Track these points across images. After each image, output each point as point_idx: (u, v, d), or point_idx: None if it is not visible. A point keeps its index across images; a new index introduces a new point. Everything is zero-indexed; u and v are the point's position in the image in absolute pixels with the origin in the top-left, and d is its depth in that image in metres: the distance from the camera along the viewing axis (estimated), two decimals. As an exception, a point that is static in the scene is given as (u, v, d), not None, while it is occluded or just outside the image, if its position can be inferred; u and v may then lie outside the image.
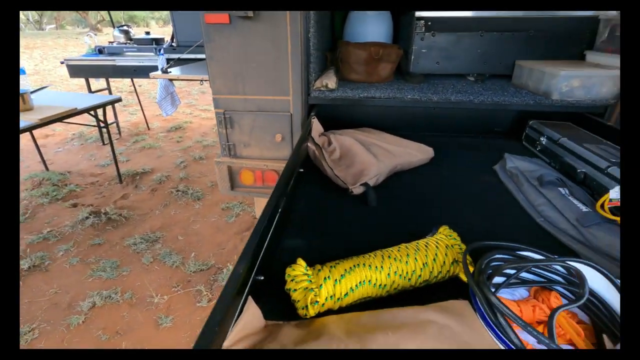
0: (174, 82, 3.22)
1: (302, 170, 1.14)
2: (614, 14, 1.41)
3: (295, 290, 0.57)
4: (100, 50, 3.42)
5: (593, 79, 1.25)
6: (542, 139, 1.31)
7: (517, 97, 1.31)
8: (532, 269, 0.61)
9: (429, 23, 1.58)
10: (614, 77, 1.24)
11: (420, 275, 0.62)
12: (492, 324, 0.49)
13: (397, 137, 1.33)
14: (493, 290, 0.52)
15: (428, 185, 1.11)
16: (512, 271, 0.60)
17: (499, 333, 0.47)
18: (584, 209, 0.87)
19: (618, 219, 0.84)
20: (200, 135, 4.30)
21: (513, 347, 0.45)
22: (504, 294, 0.59)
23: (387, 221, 0.90)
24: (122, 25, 3.90)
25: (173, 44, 3.27)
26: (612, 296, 0.54)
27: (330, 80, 1.44)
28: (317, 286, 0.56)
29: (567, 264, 0.59)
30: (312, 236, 0.83)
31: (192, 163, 3.50)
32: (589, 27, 1.53)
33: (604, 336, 0.49)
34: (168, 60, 3.06)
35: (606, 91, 1.25)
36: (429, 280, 0.63)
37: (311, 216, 0.92)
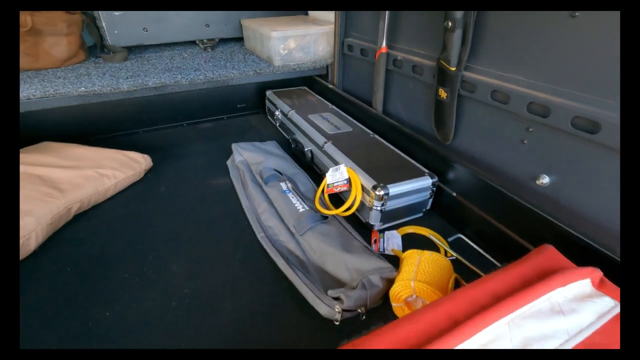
0: None
1: None
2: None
3: None
4: None
5: (307, 38, 1.14)
6: (277, 113, 1.16)
7: (240, 67, 1.09)
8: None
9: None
10: (326, 34, 1.17)
11: None
12: None
13: (87, 148, 0.91)
14: None
15: (133, 216, 0.77)
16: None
17: None
18: (301, 208, 0.74)
19: (333, 212, 0.74)
20: None
21: None
22: None
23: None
24: None
25: None
26: None
27: None
28: None
29: None
30: None
31: None
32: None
33: None
34: None
35: (322, 50, 1.18)
36: None
37: None
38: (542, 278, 0.39)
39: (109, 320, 0.56)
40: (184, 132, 1.20)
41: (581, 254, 0.51)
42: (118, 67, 1.07)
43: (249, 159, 0.92)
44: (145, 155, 0.94)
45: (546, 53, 0.57)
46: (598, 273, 0.41)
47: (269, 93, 1.23)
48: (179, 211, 0.80)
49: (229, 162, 0.97)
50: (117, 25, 1.17)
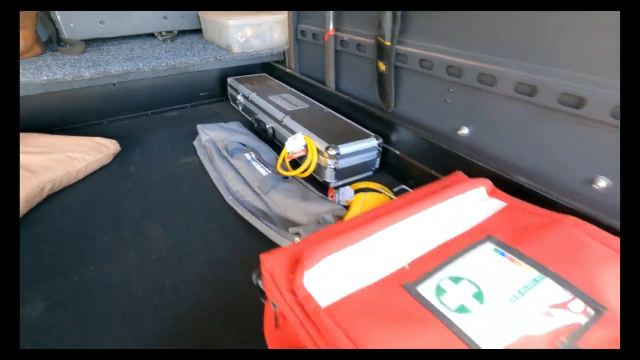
0: None
1: None
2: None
3: None
4: None
5: (263, 26, 1.22)
6: (239, 97, 1.23)
7: (201, 54, 1.15)
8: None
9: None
10: (281, 22, 1.26)
11: None
12: None
13: (56, 137, 0.94)
14: None
15: (106, 195, 0.82)
16: None
17: None
18: (264, 173, 0.83)
19: (292, 173, 0.83)
20: None
21: None
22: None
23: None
24: None
25: None
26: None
27: None
28: None
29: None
30: None
31: None
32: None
33: None
34: None
35: (278, 37, 1.26)
36: None
37: None
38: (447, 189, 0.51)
39: (92, 274, 0.62)
40: (149, 121, 1.24)
41: (505, 188, 0.63)
42: (77, 59, 1.10)
43: (214, 137, 0.99)
44: (113, 140, 0.99)
45: (457, 25, 0.70)
46: (490, 183, 0.54)
47: (230, 80, 1.30)
48: (150, 187, 0.86)
49: (195, 143, 1.04)
50: (72, 18, 1.19)
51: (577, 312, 0.35)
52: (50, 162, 0.83)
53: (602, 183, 0.56)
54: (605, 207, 0.56)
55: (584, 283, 0.37)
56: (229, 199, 0.79)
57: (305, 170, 0.82)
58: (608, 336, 0.33)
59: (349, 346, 0.32)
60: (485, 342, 0.32)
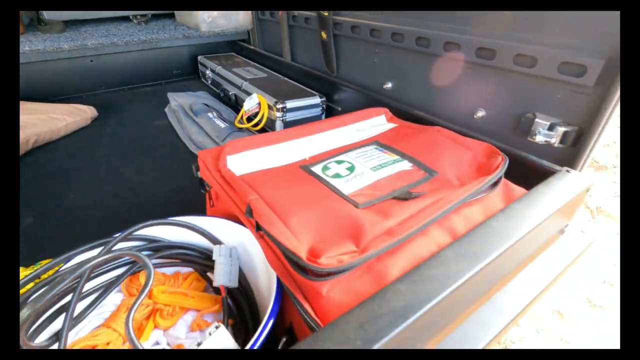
0: None
1: None
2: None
3: None
4: None
5: (228, 8, 1.36)
6: (208, 72, 1.36)
7: (171, 32, 1.27)
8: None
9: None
10: (245, 5, 1.39)
11: None
12: None
13: (39, 104, 1.05)
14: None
15: (85, 147, 0.95)
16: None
17: None
18: (223, 126, 0.96)
19: (246, 126, 0.97)
20: None
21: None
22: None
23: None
24: None
25: None
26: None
27: None
28: None
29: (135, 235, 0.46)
30: None
31: None
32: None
33: (208, 274, 0.49)
34: None
35: (242, 17, 1.40)
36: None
37: None
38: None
39: (72, 199, 0.75)
40: (125, 94, 1.36)
41: (409, 120, 0.79)
42: (57, 36, 1.21)
43: (182, 102, 1.12)
44: (91, 107, 1.11)
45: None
46: (389, 112, 0.69)
47: (200, 58, 1.43)
48: (125, 142, 0.99)
49: (166, 109, 1.17)
50: None
51: (415, 175, 0.50)
52: (35, 120, 0.95)
53: (480, 113, 0.72)
54: (482, 129, 0.71)
55: (427, 160, 0.52)
56: (192, 147, 0.92)
57: (258, 123, 0.96)
58: (433, 187, 0.48)
59: (253, 195, 0.46)
60: (346, 189, 0.46)
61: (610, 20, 0.50)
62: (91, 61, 1.28)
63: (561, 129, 0.57)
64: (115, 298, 0.44)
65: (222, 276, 0.43)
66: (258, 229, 0.40)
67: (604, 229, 1.73)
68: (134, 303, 0.34)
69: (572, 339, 1.24)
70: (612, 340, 1.22)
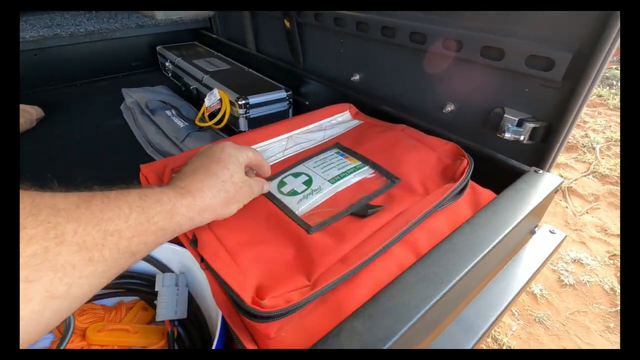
0: None
1: None
2: None
3: None
4: None
5: (185, -7, 1.25)
6: (167, 63, 1.27)
7: (123, 22, 1.17)
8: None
9: None
10: (205, -11, 1.29)
11: None
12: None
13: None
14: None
15: (25, 155, 0.86)
16: None
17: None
18: (182, 125, 0.90)
19: (208, 124, 0.91)
20: None
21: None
22: None
23: None
24: None
25: None
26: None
27: None
28: None
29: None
30: None
31: None
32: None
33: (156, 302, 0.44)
34: None
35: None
36: None
37: None
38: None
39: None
40: (78, 90, 1.25)
41: (376, 115, 0.74)
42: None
43: (138, 98, 1.04)
44: (35, 106, 1.00)
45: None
46: (354, 108, 0.65)
47: (159, 48, 1.33)
48: (75, 143, 0.91)
49: (122, 107, 1.08)
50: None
51: (376, 183, 0.46)
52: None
53: (449, 108, 0.69)
54: (450, 124, 0.68)
55: (390, 164, 0.49)
56: (149, 150, 0.85)
57: (220, 121, 0.90)
58: (395, 197, 0.44)
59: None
60: (300, 209, 0.42)
61: (577, 13, 0.47)
62: (35, 55, 1.16)
63: (530, 125, 0.55)
64: (44, 340, 0.39)
65: (166, 309, 0.39)
66: (203, 260, 0.36)
67: (574, 207, 1.78)
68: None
69: (546, 319, 1.27)
70: (585, 318, 1.26)
